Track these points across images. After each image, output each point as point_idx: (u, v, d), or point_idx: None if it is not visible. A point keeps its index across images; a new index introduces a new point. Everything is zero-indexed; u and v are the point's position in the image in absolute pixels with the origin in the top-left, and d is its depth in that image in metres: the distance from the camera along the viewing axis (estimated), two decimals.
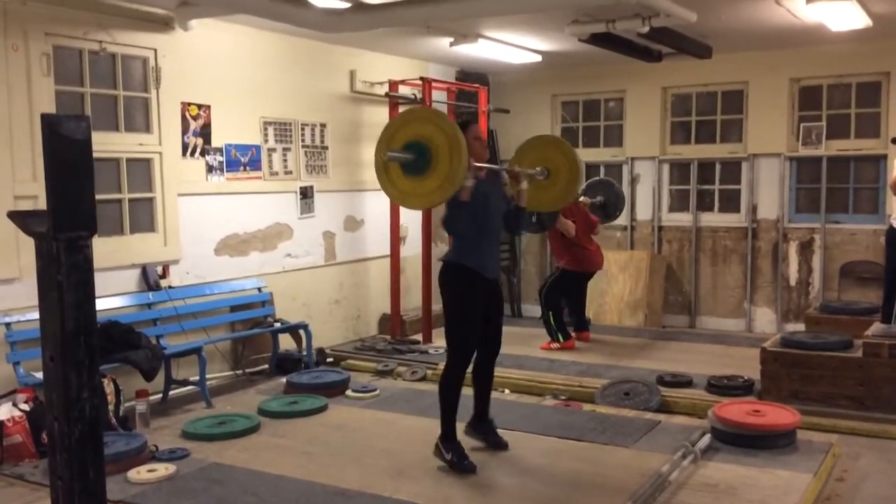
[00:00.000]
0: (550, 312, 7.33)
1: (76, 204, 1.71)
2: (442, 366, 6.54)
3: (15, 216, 1.82)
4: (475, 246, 4.46)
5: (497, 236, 4.67)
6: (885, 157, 7.79)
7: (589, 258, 7.42)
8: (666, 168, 8.98)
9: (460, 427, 4.60)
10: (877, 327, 5.78)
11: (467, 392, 4.63)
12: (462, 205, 4.30)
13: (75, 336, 1.70)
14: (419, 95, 7.80)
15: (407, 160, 4.06)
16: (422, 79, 7.75)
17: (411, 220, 8.27)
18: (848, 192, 8.16)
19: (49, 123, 1.64)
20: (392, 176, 4.19)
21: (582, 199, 7.64)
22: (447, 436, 4.48)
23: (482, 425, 4.77)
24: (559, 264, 7.59)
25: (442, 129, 4.04)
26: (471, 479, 4.32)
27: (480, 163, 4.52)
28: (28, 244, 1.91)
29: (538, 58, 8.10)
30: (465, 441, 4.62)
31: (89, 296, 1.72)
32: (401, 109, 7.86)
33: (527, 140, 5.32)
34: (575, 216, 7.32)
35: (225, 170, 6.61)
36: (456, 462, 4.40)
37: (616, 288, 8.68)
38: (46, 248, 1.72)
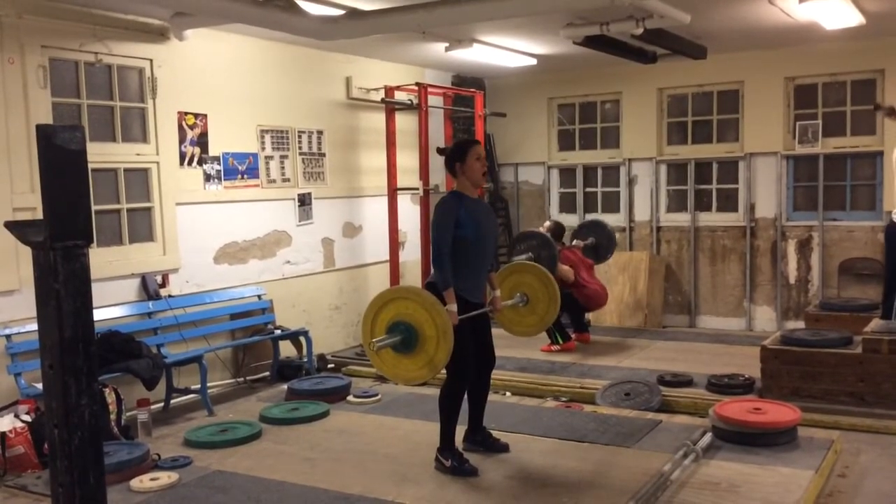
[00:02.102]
0: None
1: (72, 213, 1.72)
2: (443, 371, 6.60)
3: (12, 226, 1.84)
4: (465, 275, 4.42)
5: (487, 264, 4.63)
6: (881, 153, 7.81)
7: (593, 297, 7.49)
8: (663, 169, 8.99)
9: (459, 434, 4.61)
10: (876, 323, 5.79)
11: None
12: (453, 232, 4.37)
13: (73, 344, 1.71)
14: (415, 101, 7.82)
15: (395, 343, 4.08)
16: (418, 84, 7.77)
17: (410, 225, 8.29)
18: (845, 190, 8.18)
19: (44, 134, 1.66)
20: (384, 356, 4.20)
21: (574, 242, 7.73)
22: (445, 444, 4.49)
23: (478, 435, 4.78)
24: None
25: (423, 307, 4.04)
26: (473, 481, 4.33)
27: (476, 184, 4.56)
28: (27, 255, 1.93)
29: (533, 61, 8.12)
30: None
31: (87, 304, 1.74)
32: (397, 116, 7.90)
33: (509, 265, 5.35)
34: (571, 261, 7.37)
35: (222, 178, 6.63)
36: (456, 466, 4.41)
37: (616, 289, 8.69)
38: (44, 258, 1.74)
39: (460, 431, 4.64)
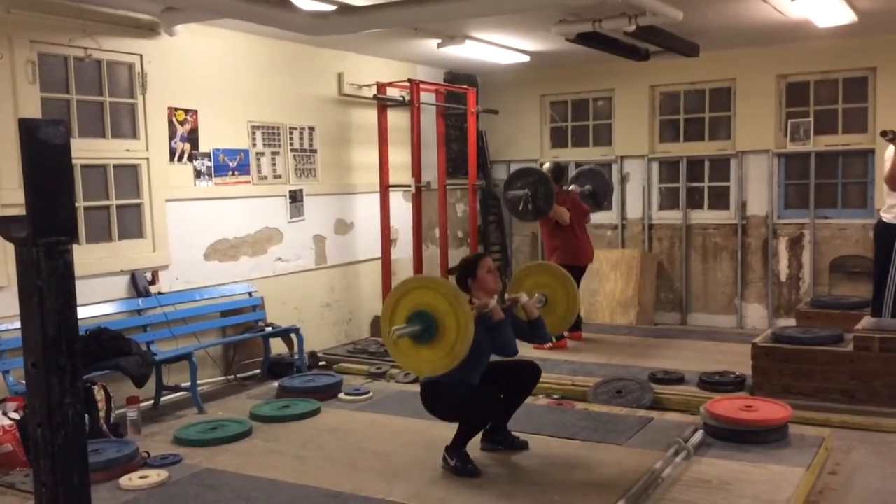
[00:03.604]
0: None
1: (55, 209, 1.70)
2: None
3: None
4: (465, 371, 4.33)
5: (484, 365, 4.57)
6: (872, 151, 7.83)
7: (580, 249, 7.37)
8: (655, 166, 9.00)
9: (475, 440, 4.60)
10: (867, 321, 5.80)
11: None
12: (502, 323, 4.35)
13: (57, 342, 1.69)
14: (407, 98, 7.79)
15: (414, 332, 4.07)
16: (410, 81, 7.74)
17: (402, 222, 8.27)
18: (836, 188, 8.20)
19: (27, 128, 1.63)
20: (402, 345, 4.18)
21: (572, 187, 7.63)
22: (455, 446, 4.45)
23: (499, 435, 4.73)
24: (550, 261, 7.53)
25: (446, 298, 4.04)
26: (465, 479, 4.31)
27: (492, 294, 4.53)
28: (12, 254, 1.90)
29: (526, 58, 8.11)
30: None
31: (70, 301, 1.71)
32: (389, 112, 7.88)
33: (526, 266, 5.38)
34: (567, 204, 7.29)
35: (213, 174, 6.59)
36: (459, 467, 4.38)
37: (607, 286, 8.69)
38: (26, 254, 1.71)
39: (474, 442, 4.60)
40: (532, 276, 5.19)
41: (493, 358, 4.58)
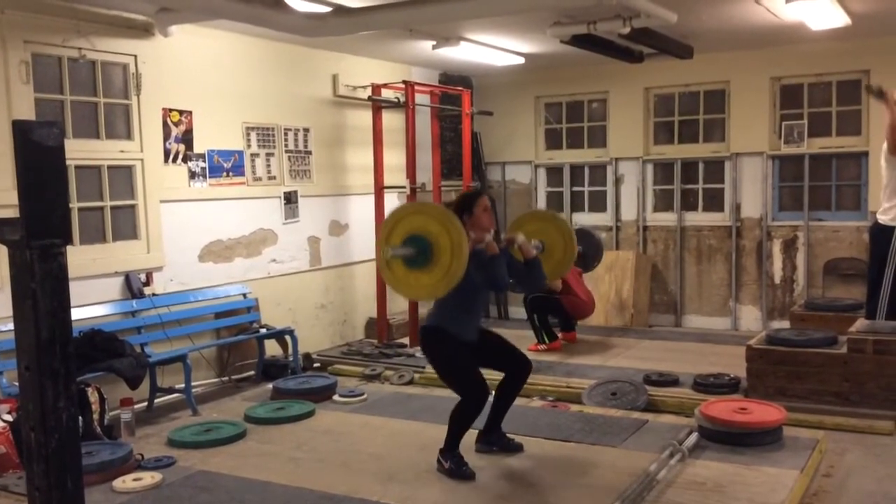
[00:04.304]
0: (535, 315, 7.34)
1: (49, 211, 1.69)
2: (430, 369, 6.56)
3: None
4: (460, 315, 4.41)
5: (482, 307, 4.65)
6: (866, 153, 7.86)
7: (580, 307, 7.47)
8: (650, 168, 9.01)
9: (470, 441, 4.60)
10: (861, 323, 5.81)
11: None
12: (495, 258, 4.35)
13: (50, 345, 1.68)
14: (402, 99, 7.79)
15: (408, 255, 4.06)
16: (405, 82, 7.74)
17: None
18: (830, 190, 8.22)
19: (20, 130, 1.63)
20: (395, 269, 4.17)
21: None
22: (448, 447, 4.44)
23: (493, 436, 4.73)
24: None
25: (439, 221, 4.04)
26: (459, 481, 4.31)
27: (487, 232, 4.51)
28: (6, 253, 1.89)
29: (521, 60, 8.11)
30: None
31: (64, 304, 1.70)
32: (384, 113, 7.88)
33: (524, 213, 5.35)
34: None
35: (208, 176, 6.58)
36: (454, 469, 4.37)
37: (602, 288, 8.70)
38: (20, 257, 1.70)
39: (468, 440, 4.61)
40: (527, 223, 5.14)
41: (492, 366, 4.60)
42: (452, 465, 4.38)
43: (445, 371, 4.49)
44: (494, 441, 4.72)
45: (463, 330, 4.46)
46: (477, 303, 4.56)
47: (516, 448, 4.72)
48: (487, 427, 4.71)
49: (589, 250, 7.86)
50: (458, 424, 4.43)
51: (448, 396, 4.65)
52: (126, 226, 6.07)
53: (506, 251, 4.61)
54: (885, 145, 6.07)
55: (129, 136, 6.05)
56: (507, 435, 4.76)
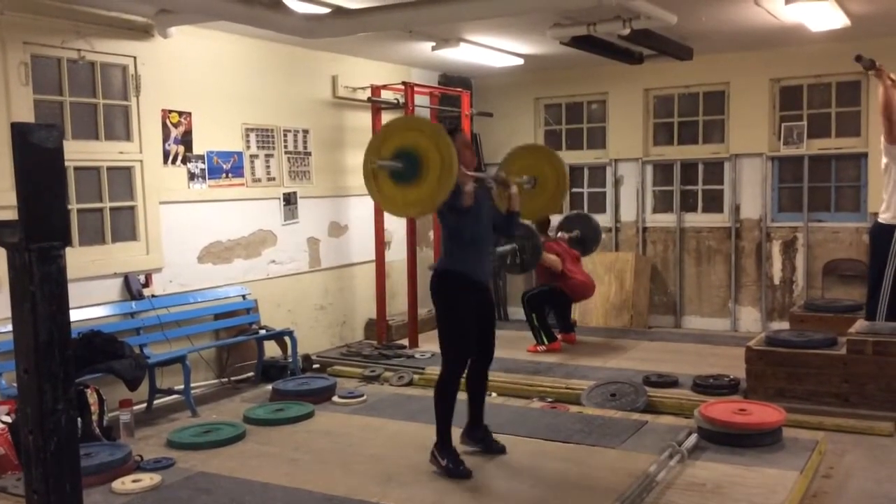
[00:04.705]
0: (534, 315, 7.33)
1: (48, 214, 1.69)
2: (430, 371, 6.57)
3: None
4: (467, 253, 4.44)
5: (488, 243, 4.67)
6: (865, 155, 7.86)
7: (580, 288, 7.45)
8: (649, 169, 9.01)
9: (455, 434, 4.59)
10: (860, 324, 5.81)
11: (460, 396, 4.59)
12: (464, 210, 4.31)
13: (49, 348, 1.68)
14: (402, 100, 7.79)
15: (396, 168, 4.04)
16: (404, 83, 7.74)
17: (396, 225, 8.25)
18: (830, 191, 8.22)
19: (19, 132, 1.62)
20: (381, 184, 4.16)
21: (559, 234, 7.69)
22: (443, 443, 4.46)
23: (477, 432, 4.75)
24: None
25: (430, 137, 4.03)
26: (458, 482, 4.31)
27: (469, 170, 4.49)
28: (4, 254, 1.89)
29: (520, 61, 8.11)
30: (462, 448, 4.62)
31: (63, 307, 1.70)
32: (383, 115, 7.87)
33: (514, 148, 5.30)
34: (557, 252, 7.35)
35: (207, 177, 6.58)
36: (451, 468, 4.38)
37: (601, 289, 8.69)
38: (19, 259, 1.70)
39: (456, 435, 4.61)
40: (520, 159, 5.12)
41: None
42: (450, 463, 4.39)
43: (447, 319, 4.43)
44: (480, 437, 4.73)
45: (475, 268, 4.43)
46: (481, 234, 4.49)
47: (499, 450, 4.71)
48: (470, 422, 4.74)
49: (588, 234, 7.87)
50: (443, 400, 4.43)
51: None
52: (125, 227, 6.06)
53: (486, 199, 4.60)
54: (882, 139, 6.05)
55: (128, 137, 6.05)
56: (493, 435, 4.77)
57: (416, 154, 4.01)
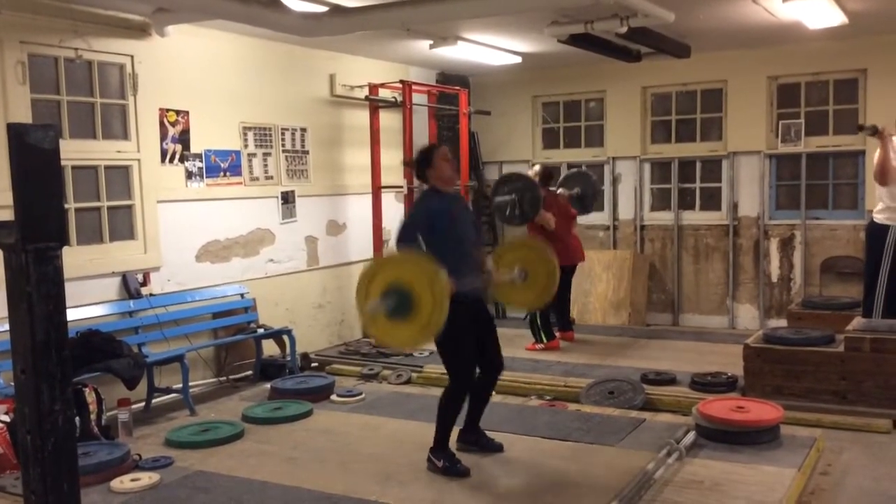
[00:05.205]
0: (535, 312, 7.31)
1: (45, 214, 1.69)
2: (428, 368, 6.59)
3: None
4: (449, 258, 4.34)
5: (469, 246, 4.62)
6: (863, 152, 7.86)
7: (569, 251, 7.34)
8: (647, 167, 9.01)
9: (454, 434, 4.60)
10: (858, 322, 5.83)
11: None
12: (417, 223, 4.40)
13: (46, 348, 1.68)
14: (399, 99, 7.79)
15: (389, 308, 4.04)
16: (402, 82, 7.74)
17: (394, 223, 8.23)
18: (827, 188, 8.23)
19: (16, 133, 1.62)
20: (379, 322, 4.16)
21: (560, 191, 7.60)
22: (439, 445, 4.46)
23: (472, 434, 4.75)
24: None
25: (412, 268, 4.05)
26: (457, 481, 4.31)
27: (450, 183, 4.57)
28: (1, 255, 1.88)
29: (518, 59, 8.11)
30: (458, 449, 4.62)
31: (60, 307, 1.70)
32: (381, 113, 7.87)
33: (507, 241, 5.35)
34: (554, 209, 7.27)
35: (205, 176, 6.57)
36: (448, 467, 4.38)
37: (599, 287, 8.71)
38: (15, 260, 1.70)
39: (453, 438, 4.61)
40: (513, 251, 5.16)
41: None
42: (446, 462, 4.39)
43: (442, 338, 4.33)
44: (474, 440, 4.73)
45: (460, 281, 4.34)
46: (460, 245, 4.49)
47: (496, 448, 4.72)
48: (467, 426, 4.73)
49: (587, 190, 7.81)
50: (446, 413, 4.43)
51: None
52: (123, 226, 6.06)
53: (465, 213, 4.71)
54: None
55: (125, 136, 6.04)
56: (487, 433, 4.77)
57: (406, 289, 4.01)
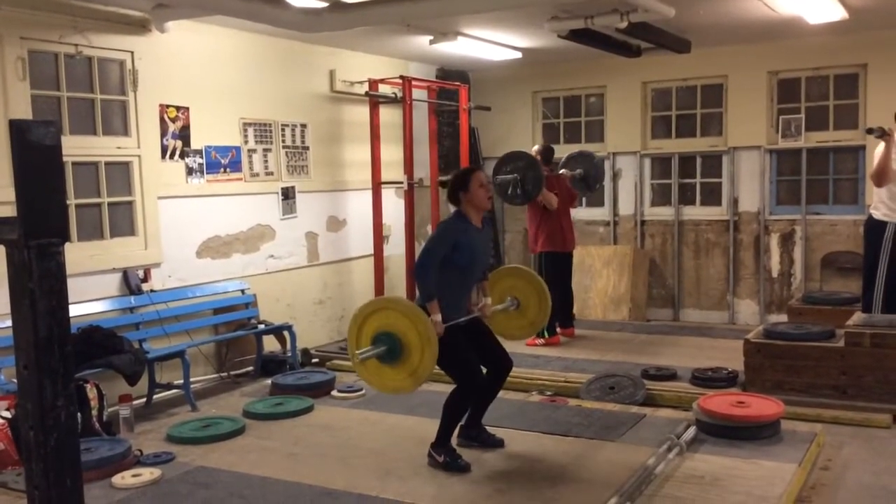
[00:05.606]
0: None
1: (47, 210, 1.69)
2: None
3: None
4: (448, 292, 4.37)
5: (474, 284, 4.64)
6: (863, 147, 7.86)
7: (564, 237, 7.30)
8: (647, 162, 9.01)
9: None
10: (858, 317, 5.83)
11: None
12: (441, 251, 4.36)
13: (49, 344, 1.68)
14: (399, 94, 7.78)
15: (380, 353, 4.06)
16: (402, 77, 7.74)
17: (394, 219, 8.27)
18: (828, 184, 8.23)
19: (17, 129, 1.62)
20: (371, 368, 4.17)
21: (562, 171, 7.56)
22: (440, 441, 4.46)
23: (473, 430, 4.75)
24: (536, 251, 7.41)
25: (402, 313, 4.06)
26: (457, 476, 4.32)
27: (482, 210, 4.52)
28: (4, 251, 1.89)
29: (518, 55, 8.10)
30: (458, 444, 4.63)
31: (62, 303, 1.70)
32: (381, 109, 7.87)
33: (500, 268, 5.34)
34: (556, 189, 7.24)
35: (205, 172, 6.57)
36: (449, 462, 4.39)
37: (600, 283, 8.71)
38: (17, 256, 1.70)
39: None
40: (505, 278, 5.16)
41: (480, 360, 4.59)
42: (447, 458, 4.40)
43: (445, 360, 4.40)
44: (475, 436, 4.73)
45: (450, 306, 4.38)
46: (467, 283, 4.54)
47: (497, 443, 4.72)
48: (469, 422, 4.73)
49: (590, 171, 7.76)
50: (451, 415, 4.44)
51: (446, 392, 4.65)
52: (124, 222, 6.06)
53: (487, 239, 4.70)
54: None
55: (126, 132, 6.04)
56: (488, 429, 4.78)
57: (395, 335, 4.04)
